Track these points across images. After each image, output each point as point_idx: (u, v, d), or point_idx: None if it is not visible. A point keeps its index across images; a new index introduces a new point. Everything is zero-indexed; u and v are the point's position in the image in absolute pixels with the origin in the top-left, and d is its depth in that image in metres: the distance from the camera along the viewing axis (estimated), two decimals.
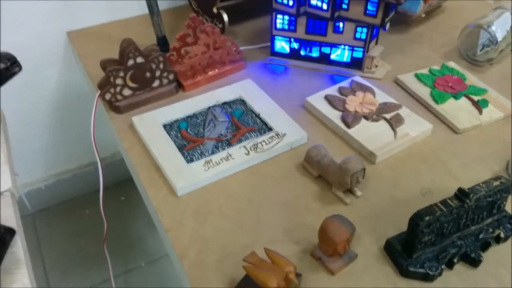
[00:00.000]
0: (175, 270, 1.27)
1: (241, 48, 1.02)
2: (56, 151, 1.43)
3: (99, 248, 1.09)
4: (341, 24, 0.95)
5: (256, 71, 1.02)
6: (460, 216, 0.62)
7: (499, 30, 0.98)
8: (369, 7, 0.90)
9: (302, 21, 0.97)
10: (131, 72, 0.88)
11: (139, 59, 0.87)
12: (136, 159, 0.80)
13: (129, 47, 0.85)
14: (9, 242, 0.58)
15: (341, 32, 0.96)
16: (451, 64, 1.00)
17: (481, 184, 0.63)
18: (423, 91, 0.93)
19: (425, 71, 0.99)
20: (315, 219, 0.70)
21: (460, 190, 0.61)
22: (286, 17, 0.98)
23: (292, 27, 0.99)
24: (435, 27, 1.19)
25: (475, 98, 0.90)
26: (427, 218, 0.58)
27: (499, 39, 0.98)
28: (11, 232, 0.59)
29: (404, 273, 0.62)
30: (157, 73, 0.91)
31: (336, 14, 0.92)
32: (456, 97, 0.91)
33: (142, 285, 1.35)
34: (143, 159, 0.80)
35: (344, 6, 0.91)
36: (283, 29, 1.00)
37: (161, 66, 0.90)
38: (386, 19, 0.91)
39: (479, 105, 0.88)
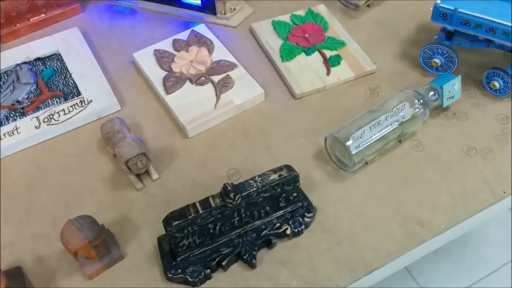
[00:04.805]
0: None
1: None
2: None
3: None
4: None
5: (95, 16, 0.88)
6: (229, 215, 0.53)
7: None
8: None
9: None
10: None
11: None
12: None
13: None
14: None
15: None
16: (320, 8, 0.86)
17: (256, 178, 0.53)
18: (274, 44, 0.80)
19: (286, 17, 0.85)
20: (96, 208, 0.61)
21: (224, 187, 0.52)
22: None
23: None
24: None
25: (329, 53, 0.78)
26: (176, 223, 0.50)
27: None
28: None
29: (167, 277, 0.54)
30: None
31: None
32: (307, 52, 0.78)
33: None
34: None
35: None
36: None
37: None
38: None
39: (329, 64, 0.76)
